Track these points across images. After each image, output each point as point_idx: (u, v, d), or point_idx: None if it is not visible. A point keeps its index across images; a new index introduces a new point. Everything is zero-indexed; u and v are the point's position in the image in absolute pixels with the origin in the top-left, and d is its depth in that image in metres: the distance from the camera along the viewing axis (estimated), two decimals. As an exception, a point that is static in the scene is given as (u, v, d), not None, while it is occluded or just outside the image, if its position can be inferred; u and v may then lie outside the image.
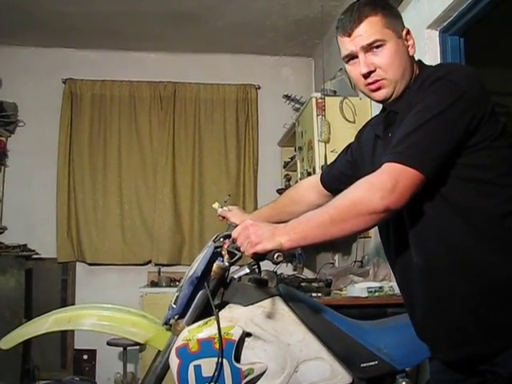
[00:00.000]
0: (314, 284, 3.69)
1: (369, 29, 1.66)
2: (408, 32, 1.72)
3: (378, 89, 1.69)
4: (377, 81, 1.68)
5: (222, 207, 1.96)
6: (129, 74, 5.81)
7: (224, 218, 2.19)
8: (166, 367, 1.74)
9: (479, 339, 1.54)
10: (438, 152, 1.47)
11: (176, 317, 1.78)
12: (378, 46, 1.66)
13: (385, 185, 1.44)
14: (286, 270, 5.35)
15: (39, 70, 5.76)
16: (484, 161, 1.54)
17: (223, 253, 1.71)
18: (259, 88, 5.99)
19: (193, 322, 1.75)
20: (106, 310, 1.94)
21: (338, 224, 1.48)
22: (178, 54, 5.90)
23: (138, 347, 4.82)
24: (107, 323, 1.88)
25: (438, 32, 3.21)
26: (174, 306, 1.80)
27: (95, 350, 5.47)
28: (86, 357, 5.50)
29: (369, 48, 1.67)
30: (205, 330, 1.69)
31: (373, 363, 1.83)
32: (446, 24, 3.12)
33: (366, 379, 1.69)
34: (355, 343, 1.84)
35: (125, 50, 5.81)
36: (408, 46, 1.70)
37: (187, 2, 4.76)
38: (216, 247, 1.83)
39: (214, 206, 2.10)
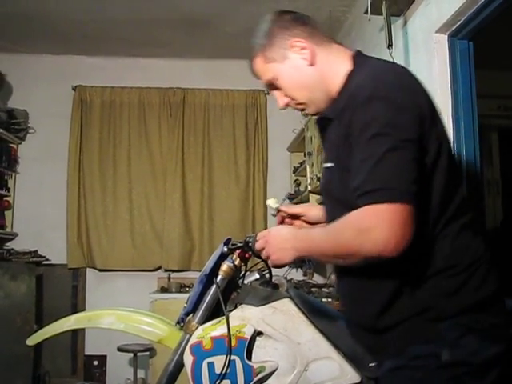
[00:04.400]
0: (325, 289, 3.70)
1: (258, 71, 1.72)
2: (294, 43, 1.64)
3: (303, 110, 1.74)
4: (297, 106, 1.73)
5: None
6: (138, 80, 5.86)
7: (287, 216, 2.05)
8: (179, 365, 1.76)
9: None
10: (407, 174, 1.38)
11: (189, 315, 1.81)
12: (274, 82, 1.70)
13: (380, 234, 1.35)
14: (296, 275, 5.36)
15: (49, 77, 5.83)
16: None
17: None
18: (268, 93, 5.99)
19: (204, 322, 1.77)
20: (124, 311, 2.02)
21: (336, 259, 1.53)
22: (187, 60, 5.94)
23: (148, 353, 4.84)
24: (123, 322, 1.95)
25: (446, 36, 3.21)
26: (186, 305, 1.84)
27: (105, 356, 5.50)
28: (96, 363, 5.53)
29: (270, 86, 1.73)
30: (218, 328, 1.71)
31: (380, 363, 1.84)
32: (454, 28, 3.12)
33: (374, 378, 1.69)
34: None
35: (134, 57, 5.86)
36: (304, 59, 1.64)
37: (196, 9, 4.79)
38: (226, 248, 1.84)
39: (268, 202, 2.05)
